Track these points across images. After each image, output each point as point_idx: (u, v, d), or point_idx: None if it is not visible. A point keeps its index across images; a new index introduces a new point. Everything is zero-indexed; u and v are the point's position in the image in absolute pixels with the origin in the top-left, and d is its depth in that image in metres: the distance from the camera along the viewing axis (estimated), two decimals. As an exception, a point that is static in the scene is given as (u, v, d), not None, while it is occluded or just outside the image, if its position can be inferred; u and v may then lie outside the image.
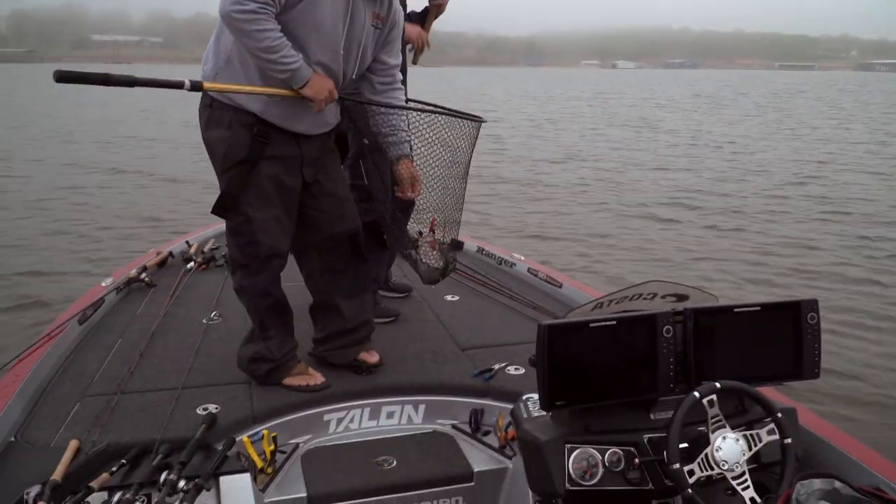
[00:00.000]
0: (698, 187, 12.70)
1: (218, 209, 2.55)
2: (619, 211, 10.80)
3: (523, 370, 2.87)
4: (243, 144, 2.45)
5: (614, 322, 1.85)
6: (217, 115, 2.47)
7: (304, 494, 2.34)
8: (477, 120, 2.69)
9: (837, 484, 1.70)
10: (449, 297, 3.76)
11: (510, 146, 18.46)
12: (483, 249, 4.43)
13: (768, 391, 2.05)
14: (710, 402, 1.76)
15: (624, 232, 9.47)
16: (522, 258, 4.24)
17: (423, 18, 3.96)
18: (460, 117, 2.66)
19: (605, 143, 19.87)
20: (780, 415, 1.78)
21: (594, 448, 1.85)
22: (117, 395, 2.63)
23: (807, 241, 9.00)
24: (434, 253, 2.87)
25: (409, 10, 3.96)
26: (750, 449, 1.77)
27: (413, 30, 3.48)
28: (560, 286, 3.82)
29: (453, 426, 2.76)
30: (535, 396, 2.07)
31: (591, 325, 1.83)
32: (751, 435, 1.79)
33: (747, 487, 1.73)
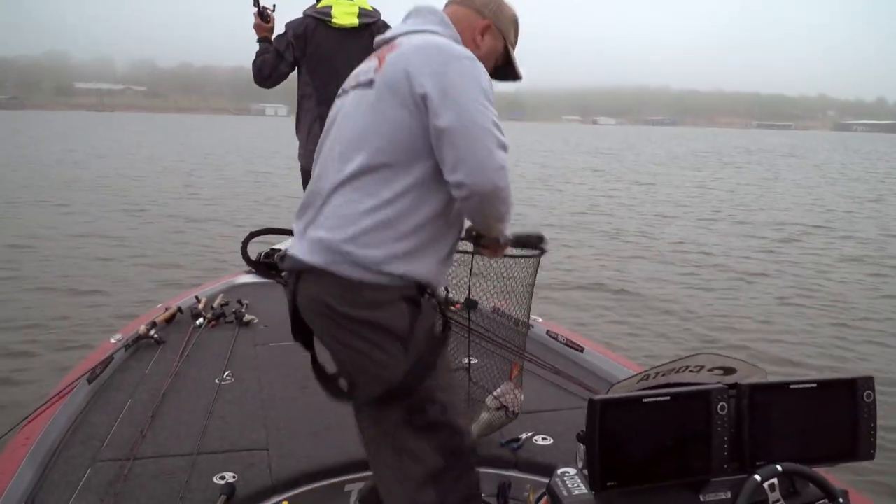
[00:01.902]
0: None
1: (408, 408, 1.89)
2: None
3: (551, 440, 2.78)
4: (430, 315, 1.94)
5: (668, 397, 1.77)
6: (379, 294, 1.85)
7: None
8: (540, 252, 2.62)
9: None
10: (467, 361, 3.68)
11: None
12: (498, 309, 4.35)
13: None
14: (772, 487, 1.67)
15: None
16: (540, 320, 4.15)
17: None
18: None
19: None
20: (841, 500, 1.70)
21: None
22: (130, 460, 2.54)
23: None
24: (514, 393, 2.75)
25: None
26: None
27: None
28: (581, 350, 3.74)
29: None
30: (572, 471, 1.97)
31: (645, 400, 1.75)
32: None
33: None
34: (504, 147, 1.80)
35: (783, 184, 26.74)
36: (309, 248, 1.87)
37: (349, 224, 1.82)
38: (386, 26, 4.11)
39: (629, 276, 10.11)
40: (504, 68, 2.19)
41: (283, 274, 1.99)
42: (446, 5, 2.11)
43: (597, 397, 1.72)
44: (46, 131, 57.09)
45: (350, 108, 1.95)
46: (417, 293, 1.91)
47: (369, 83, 1.90)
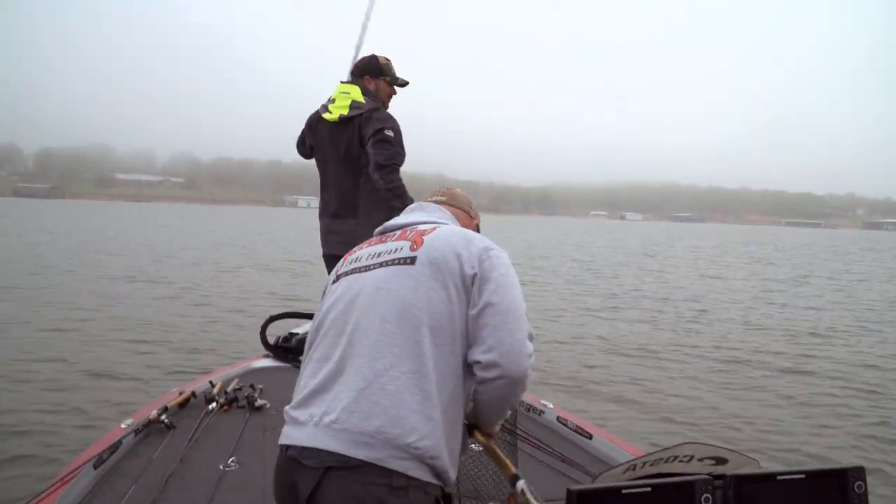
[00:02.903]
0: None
1: None
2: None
3: None
4: None
5: (649, 489, 1.75)
6: (415, 496, 1.74)
7: None
8: None
9: None
10: (473, 446, 3.63)
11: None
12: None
13: None
14: None
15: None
16: (552, 405, 4.12)
17: None
18: None
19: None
20: None
21: None
22: None
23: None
24: None
25: None
26: None
27: None
28: (590, 437, 3.70)
29: None
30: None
31: (624, 491, 1.73)
32: None
33: None
34: (532, 338, 1.88)
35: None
36: (347, 439, 1.71)
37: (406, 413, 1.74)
38: (371, 116, 4.23)
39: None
40: None
41: (291, 458, 1.80)
42: (440, 204, 2.27)
43: (575, 488, 1.72)
44: (88, 221, 58.64)
45: (384, 282, 1.92)
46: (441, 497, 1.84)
47: (409, 260, 1.94)
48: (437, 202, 2.28)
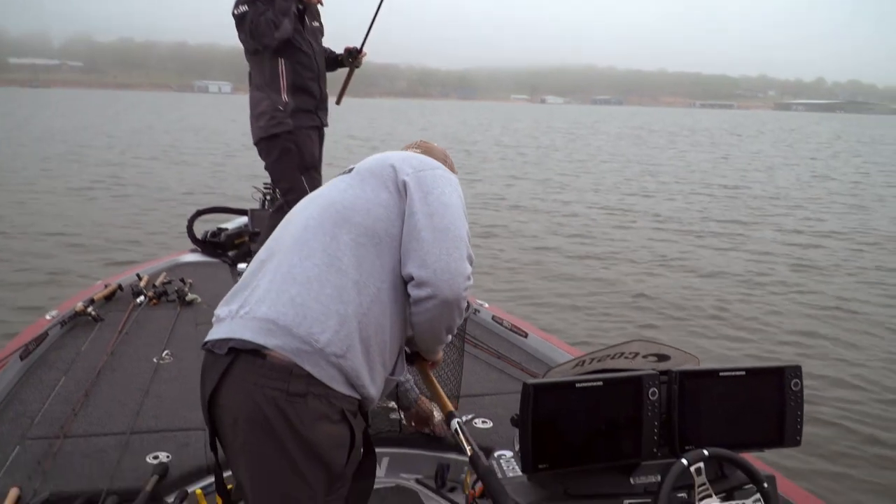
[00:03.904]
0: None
1: None
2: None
3: (491, 423, 2.78)
4: (358, 443, 1.75)
5: (601, 383, 1.79)
6: (315, 405, 1.62)
7: None
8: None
9: None
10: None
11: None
12: None
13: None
14: (698, 470, 1.71)
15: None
16: (486, 305, 4.15)
17: (338, 64, 4.50)
18: None
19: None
20: (766, 485, 1.74)
21: None
22: (60, 438, 2.47)
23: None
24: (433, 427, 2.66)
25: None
26: None
27: None
28: (525, 336, 3.74)
29: (417, 481, 2.64)
30: (508, 454, 2.00)
31: (578, 385, 1.77)
32: None
33: None
34: (472, 260, 1.78)
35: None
36: (253, 327, 1.63)
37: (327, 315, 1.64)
38: None
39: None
40: None
41: (208, 350, 1.72)
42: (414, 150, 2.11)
43: (530, 381, 1.74)
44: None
45: (318, 192, 1.90)
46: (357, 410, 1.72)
47: (346, 171, 1.89)
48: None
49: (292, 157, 4.06)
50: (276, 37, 3.85)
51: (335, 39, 4.52)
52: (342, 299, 1.65)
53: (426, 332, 1.83)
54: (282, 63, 3.98)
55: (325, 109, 4.27)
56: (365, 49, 4.48)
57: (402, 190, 1.77)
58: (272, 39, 3.85)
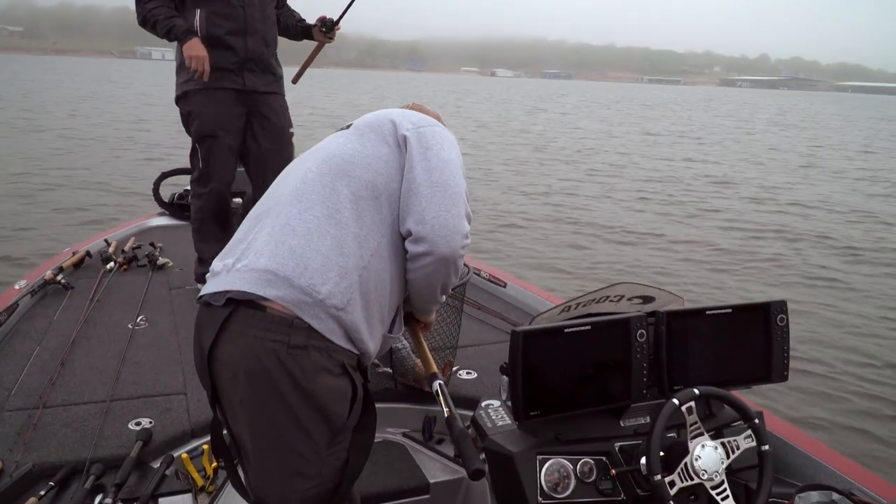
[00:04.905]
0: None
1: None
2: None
3: (475, 374, 2.80)
4: (360, 396, 1.71)
5: (589, 327, 1.79)
6: (316, 358, 1.57)
7: None
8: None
9: (835, 496, 1.68)
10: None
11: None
12: None
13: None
14: (689, 410, 1.70)
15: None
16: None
17: (307, 34, 4.01)
18: None
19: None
20: (756, 421, 1.75)
21: (566, 458, 1.77)
22: (39, 409, 2.41)
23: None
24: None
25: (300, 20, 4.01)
26: (728, 457, 1.71)
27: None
28: (504, 286, 3.74)
29: (404, 434, 2.61)
30: (495, 403, 1.97)
31: (566, 330, 1.76)
32: (728, 442, 1.74)
33: (727, 497, 1.68)
34: (470, 219, 1.75)
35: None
36: (252, 279, 1.57)
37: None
38: None
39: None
40: None
41: (204, 303, 1.66)
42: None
43: (519, 328, 1.73)
44: None
45: (316, 146, 1.84)
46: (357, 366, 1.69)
47: (345, 127, 1.86)
48: None
49: (191, 121, 3.59)
50: None
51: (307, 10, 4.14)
52: (342, 252, 1.61)
53: (422, 290, 1.80)
54: (199, 14, 3.50)
55: (262, 72, 3.68)
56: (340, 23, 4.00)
57: (401, 145, 1.74)
58: None
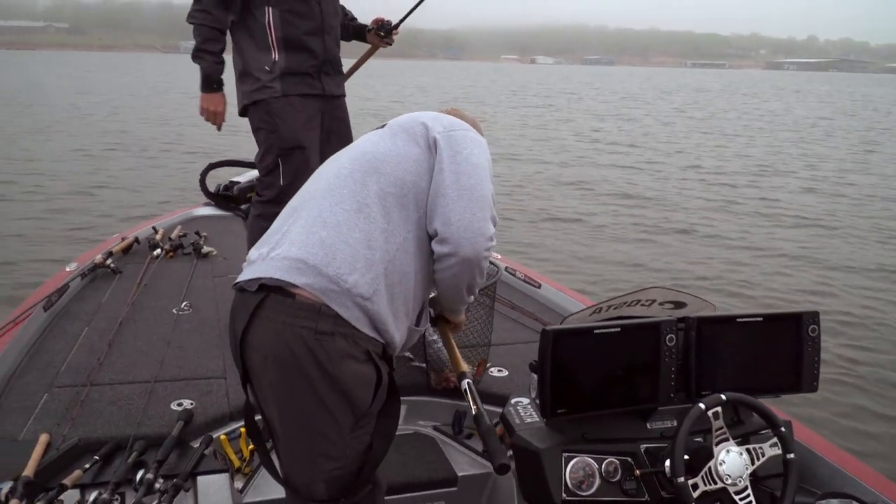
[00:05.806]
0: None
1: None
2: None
3: (506, 372, 2.85)
4: (384, 389, 1.77)
5: (618, 329, 1.82)
6: (342, 344, 1.64)
7: (284, 496, 2.24)
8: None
9: None
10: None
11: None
12: None
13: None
14: (716, 415, 1.73)
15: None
16: (500, 256, 4.16)
17: (359, 36, 3.74)
18: None
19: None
20: (783, 429, 1.76)
21: (591, 457, 1.81)
22: (87, 387, 2.53)
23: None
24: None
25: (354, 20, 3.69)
26: (752, 463, 1.74)
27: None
28: (539, 287, 3.78)
29: (435, 428, 2.69)
30: (525, 400, 2.02)
31: (596, 331, 1.80)
32: (754, 449, 1.76)
33: (750, 503, 1.70)
34: (495, 222, 1.80)
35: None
36: (283, 266, 1.66)
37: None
38: None
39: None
40: None
41: (239, 289, 1.73)
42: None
43: (550, 328, 1.77)
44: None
45: (352, 145, 1.94)
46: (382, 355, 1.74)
47: (379, 127, 1.94)
48: None
49: (269, 133, 3.17)
50: None
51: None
52: (370, 245, 1.68)
53: (448, 290, 1.87)
54: (270, 12, 3.10)
55: (336, 74, 3.33)
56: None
57: (432, 146, 1.81)
58: None
